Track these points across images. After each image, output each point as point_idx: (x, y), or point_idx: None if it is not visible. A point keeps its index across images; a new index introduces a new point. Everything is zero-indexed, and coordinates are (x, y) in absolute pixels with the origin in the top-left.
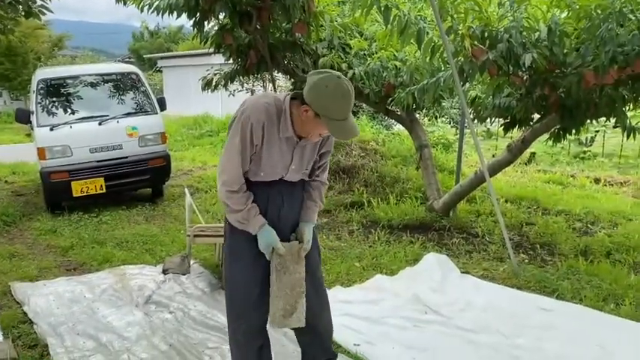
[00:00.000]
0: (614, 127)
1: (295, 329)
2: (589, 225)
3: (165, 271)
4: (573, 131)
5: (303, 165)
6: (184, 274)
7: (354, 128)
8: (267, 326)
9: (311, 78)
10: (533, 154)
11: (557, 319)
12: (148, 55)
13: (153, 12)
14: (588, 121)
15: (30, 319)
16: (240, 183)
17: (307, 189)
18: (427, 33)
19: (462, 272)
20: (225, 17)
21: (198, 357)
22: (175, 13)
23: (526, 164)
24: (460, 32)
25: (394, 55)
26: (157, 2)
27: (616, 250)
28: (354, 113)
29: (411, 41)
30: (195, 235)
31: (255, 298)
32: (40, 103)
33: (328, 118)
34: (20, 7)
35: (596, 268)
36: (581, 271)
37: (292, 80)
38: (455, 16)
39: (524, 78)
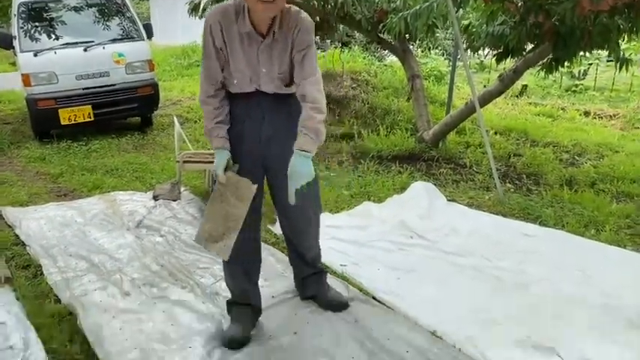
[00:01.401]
0: (608, 60)
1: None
2: (576, 156)
3: (155, 198)
4: (566, 62)
5: (274, 69)
6: (175, 200)
7: None
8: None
9: None
10: (524, 86)
11: (540, 244)
12: None
13: None
14: (582, 53)
15: (22, 242)
16: (208, 93)
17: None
18: None
19: (449, 200)
20: None
21: (190, 277)
22: None
23: (517, 97)
24: None
25: None
26: None
27: (601, 180)
28: (346, 44)
29: None
30: (185, 162)
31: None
32: (22, 27)
33: None
34: None
35: (579, 197)
36: (565, 199)
37: None
38: None
39: (519, 5)
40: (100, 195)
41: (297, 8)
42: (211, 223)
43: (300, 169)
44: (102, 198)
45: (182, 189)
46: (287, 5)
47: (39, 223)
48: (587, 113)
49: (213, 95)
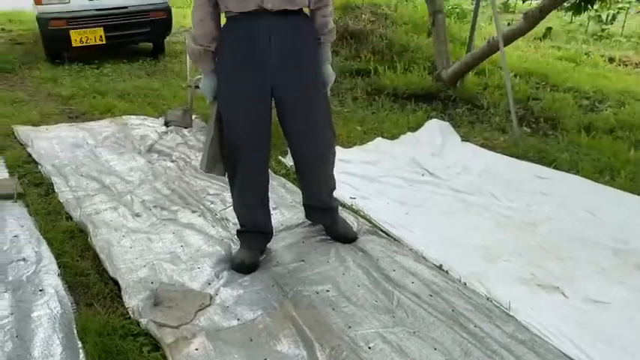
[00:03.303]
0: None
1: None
2: (596, 103)
3: (167, 123)
4: (595, 3)
5: None
6: (186, 127)
7: None
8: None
9: None
10: (549, 29)
11: (552, 186)
12: None
13: None
14: None
15: (34, 160)
16: (202, 12)
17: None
18: None
19: (463, 140)
20: None
21: (200, 201)
22: None
23: (541, 39)
24: None
25: None
26: None
27: (620, 127)
28: None
29: None
30: (197, 87)
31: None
32: None
33: None
34: None
35: (597, 143)
36: (582, 144)
37: None
38: None
39: None
40: (112, 118)
41: None
42: (213, 147)
43: (332, 75)
44: (113, 121)
45: (193, 116)
46: None
47: (51, 143)
48: (611, 59)
49: (211, 13)
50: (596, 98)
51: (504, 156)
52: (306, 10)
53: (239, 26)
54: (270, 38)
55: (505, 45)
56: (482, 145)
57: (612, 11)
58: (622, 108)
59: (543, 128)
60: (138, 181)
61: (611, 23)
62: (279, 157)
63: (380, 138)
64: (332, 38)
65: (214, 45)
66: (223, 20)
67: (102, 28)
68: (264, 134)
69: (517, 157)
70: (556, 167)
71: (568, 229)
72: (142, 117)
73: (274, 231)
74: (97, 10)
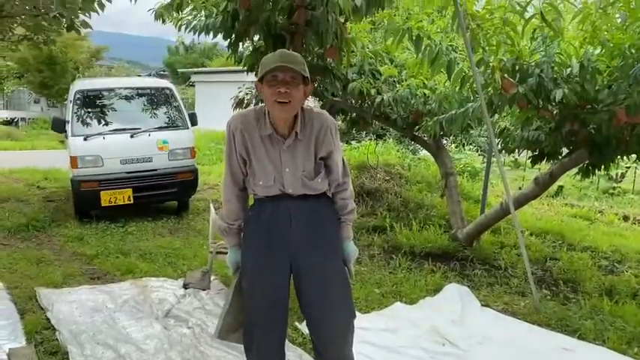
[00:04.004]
0: None
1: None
2: (615, 263)
3: (185, 286)
4: (602, 167)
5: (298, 166)
6: (204, 290)
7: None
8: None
9: None
10: (560, 187)
11: (578, 359)
12: (182, 70)
13: (190, 31)
14: (619, 157)
15: (52, 326)
16: (230, 195)
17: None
18: (457, 64)
19: (483, 305)
20: (259, 39)
21: None
22: (212, 33)
23: (553, 197)
24: (491, 64)
25: (424, 83)
26: (195, 22)
27: None
28: (380, 136)
29: (441, 70)
30: (218, 252)
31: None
32: (75, 113)
33: (262, 72)
34: (64, 20)
35: (620, 309)
36: (605, 311)
37: (321, 102)
38: (486, 48)
39: (554, 112)
40: (133, 280)
41: (320, 109)
42: (231, 315)
43: (354, 253)
44: (134, 283)
45: (212, 278)
46: (308, 106)
47: (70, 307)
48: (626, 217)
49: (237, 196)
50: (614, 258)
51: (526, 323)
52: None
53: (263, 207)
54: (290, 219)
55: (517, 207)
56: (502, 311)
57: (620, 170)
58: None
59: (564, 291)
60: (153, 350)
61: (621, 180)
62: (296, 323)
63: (399, 303)
64: (353, 217)
65: (239, 222)
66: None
67: (131, 189)
68: (282, 312)
69: (539, 325)
70: (580, 336)
71: None
72: (162, 279)
73: None
74: (127, 172)
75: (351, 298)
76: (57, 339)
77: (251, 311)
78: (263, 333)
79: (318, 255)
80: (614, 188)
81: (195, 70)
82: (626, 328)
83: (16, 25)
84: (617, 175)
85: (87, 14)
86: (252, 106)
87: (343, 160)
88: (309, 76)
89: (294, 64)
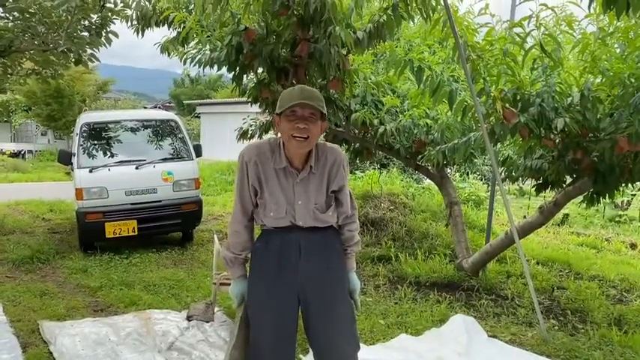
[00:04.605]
0: None
1: None
2: (624, 292)
3: (189, 318)
4: (607, 195)
5: (310, 199)
6: (208, 322)
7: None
8: None
9: None
10: (566, 215)
11: None
12: (188, 101)
13: (194, 65)
14: (623, 184)
15: (55, 359)
16: (243, 223)
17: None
18: (459, 94)
19: (489, 336)
20: (263, 72)
21: None
22: (216, 66)
23: (559, 225)
24: (492, 94)
25: (426, 112)
26: (199, 56)
27: None
28: (384, 165)
29: (443, 100)
30: (222, 284)
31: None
32: (82, 145)
33: (282, 107)
34: (71, 54)
35: (630, 340)
36: (615, 341)
37: (324, 133)
38: (487, 78)
39: (557, 141)
40: (136, 312)
41: (333, 144)
42: (238, 349)
43: (358, 284)
44: (137, 315)
45: (216, 309)
46: (321, 141)
47: (73, 340)
48: (633, 245)
49: (246, 226)
50: (622, 287)
51: (534, 354)
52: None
53: (272, 238)
54: (300, 250)
55: (523, 236)
56: (509, 342)
57: (626, 198)
58: None
59: (572, 321)
60: None
61: (627, 208)
62: (300, 356)
63: (404, 334)
64: (358, 249)
65: (246, 253)
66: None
67: (135, 220)
68: (291, 344)
69: (548, 357)
70: None
71: None
72: (166, 311)
73: None
74: (132, 204)
75: (356, 329)
76: None
77: (259, 342)
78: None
79: (326, 286)
80: (620, 216)
81: (201, 101)
82: (635, 359)
83: (24, 59)
84: (622, 202)
85: (95, 49)
86: (256, 138)
87: (350, 192)
88: (326, 112)
89: (313, 100)
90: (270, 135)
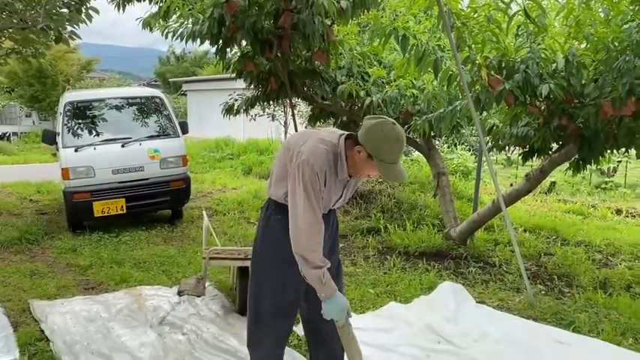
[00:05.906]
0: (638, 157)
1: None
2: (609, 257)
3: (180, 293)
4: (593, 161)
5: (347, 198)
6: (199, 296)
7: (403, 172)
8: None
9: (367, 122)
10: (553, 183)
11: (574, 352)
12: (174, 79)
13: (177, 39)
14: (609, 151)
15: (46, 337)
16: (321, 237)
17: None
18: (444, 62)
19: (478, 302)
20: (246, 45)
21: None
22: (198, 40)
23: (546, 193)
24: (477, 62)
25: (412, 83)
26: (181, 30)
27: (636, 283)
28: None
29: (429, 69)
30: (211, 258)
31: (281, 330)
32: (66, 124)
33: (379, 160)
34: (51, 32)
35: (615, 302)
36: (600, 304)
37: (311, 106)
38: (472, 46)
39: (542, 108)
40: (127, 289)
41: None
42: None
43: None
44: (128, 292)
45: (207, 284)
46: None
47: (64, 318)
48: (619, 211)
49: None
50: (608, 252)
51: (521, 319)
52: None
53: None
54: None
55: (510, 204)
56: (497, 307)
57: (612, 164)
58: (636, 261)
59: (558, 286)
60: (148, 357)
61: (613, 174)
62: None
63: (393, 302)
64: None
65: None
66: None
67: (124, 199)
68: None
69: (534, 320)
70: (575, 330)
71: None
72: (157, 287)
73: None
74: (119, 182)
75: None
76: (51, 350)
77: (282, 301)
78: (288, 326)
79: (336, 254)
80: (606, 183)
81: (186, 79)
82: (620, 320)
83: (4, 38)
84: (608, 169)
85: (75, 26)
86: (320, 135)
87: None
88: None
89: None
90: (257, 109)
